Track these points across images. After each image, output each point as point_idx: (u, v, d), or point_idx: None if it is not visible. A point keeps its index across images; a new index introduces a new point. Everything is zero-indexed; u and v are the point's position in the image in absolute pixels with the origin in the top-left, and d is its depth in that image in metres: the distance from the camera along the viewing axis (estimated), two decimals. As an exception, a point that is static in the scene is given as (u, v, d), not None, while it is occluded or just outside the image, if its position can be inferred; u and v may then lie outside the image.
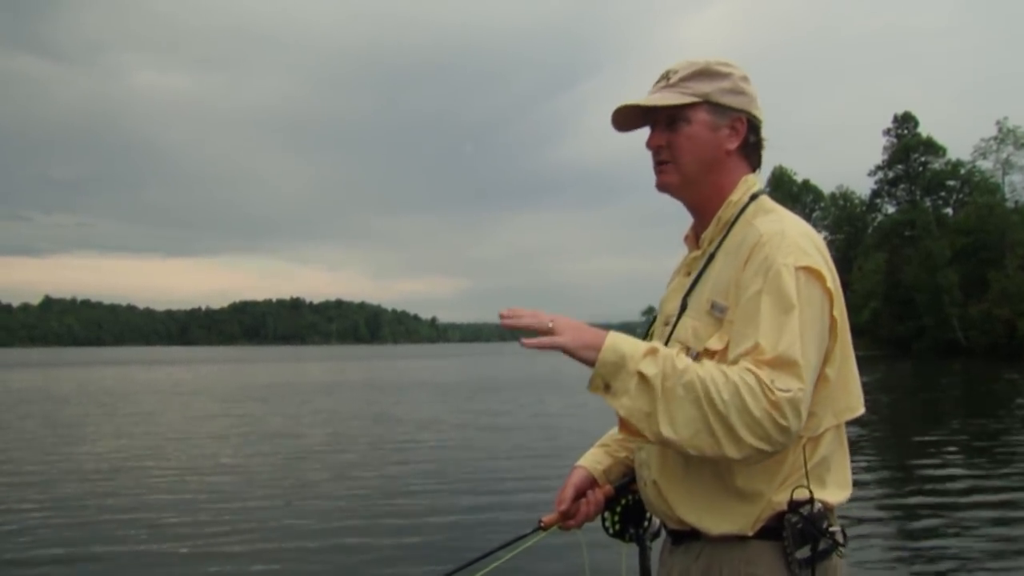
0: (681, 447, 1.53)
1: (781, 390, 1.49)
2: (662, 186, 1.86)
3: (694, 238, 1.91)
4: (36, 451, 13.99)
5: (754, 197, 1.80)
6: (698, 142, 1.79)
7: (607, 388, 1.56)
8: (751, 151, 1.86)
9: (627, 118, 1.88)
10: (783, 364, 1.52)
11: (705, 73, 1.81)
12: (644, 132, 1.89)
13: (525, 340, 1.56)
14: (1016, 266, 51.38)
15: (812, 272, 1.62)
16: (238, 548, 7.58)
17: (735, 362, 1.58)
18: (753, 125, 1.84)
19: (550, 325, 1.56)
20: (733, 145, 1.82)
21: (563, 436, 15.47)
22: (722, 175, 1.83)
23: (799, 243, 1.65)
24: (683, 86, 1.80)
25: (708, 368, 1.53)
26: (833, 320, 1.65)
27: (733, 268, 1.70)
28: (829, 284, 1.64)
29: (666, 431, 1.52)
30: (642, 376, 1.52)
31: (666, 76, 1.84)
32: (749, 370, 1.51)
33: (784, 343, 1.53)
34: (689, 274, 1.86)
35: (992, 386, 28.06)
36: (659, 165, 1.85)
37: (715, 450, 1.51)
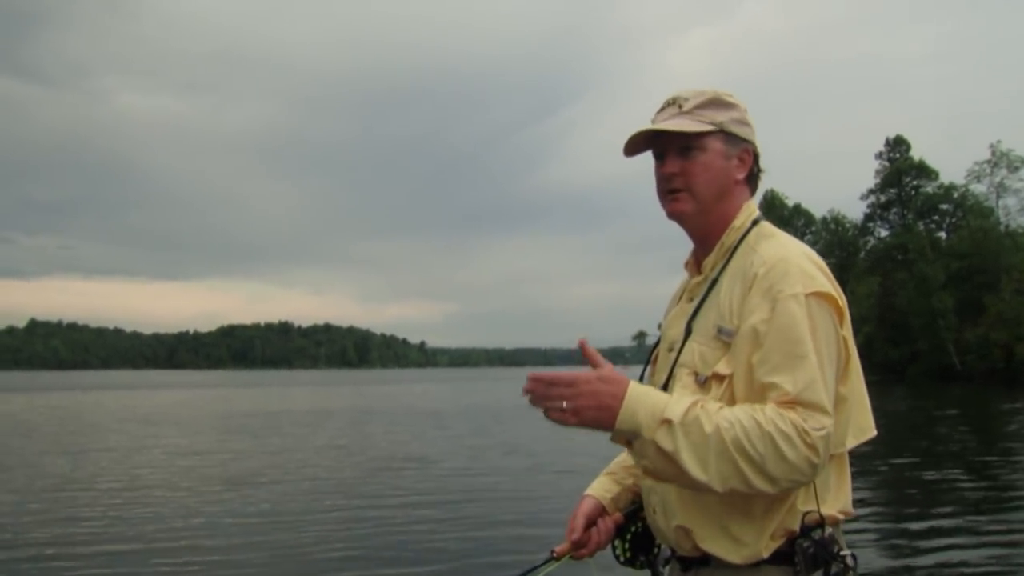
0: (712, 492, 1.57)
1: (816, 430, 1.52)
2: (675, 214, 1.85)
3: (695, 264, 1.92)
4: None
5: (756, 222, 1.83)
6: (713, 171, 1.81)
7: (629, 444, 1.60)
8: (753, 182, 1.89)
9: (634, 143, 1.87)
10: (810, 403, 1.54)
11: (717, 103, 1.83)
12: (635, 159, 1.91)
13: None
14: (1012, 290, 50.82)
15: (822, 296, 1.64)
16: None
17: (753, 392, 1.62)
18: (756, 157, 1.87)
19: (565, 405, 1.56)
20: (741, 175, 1.85)
21: (568, 465, 14.88)
22: (728, 203, 1.84)
23: (804, 268, 1.67)
24: (697, 114, 1.80)
25: (739, 420, 1.53)
26: (843, 339, 1.68)
27: (739, 294, 1.71)
28: (839, 304, 1.67)
29: (698, 481, 1.54)
30: (659, 447, 1.54)
31: (676, 103, 1.83)
32: (782, 415, 1.53)
33: (805, 380, 1.56)
34: (692, 300, 1.87)
35: (991, 412, 27.42)
36: (671, 193, 1.83)
37: (749, 491, 1.54)
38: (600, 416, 1.56)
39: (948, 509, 10.33)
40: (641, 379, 1.94)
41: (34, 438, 21.48)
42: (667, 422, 1.53)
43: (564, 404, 1.56)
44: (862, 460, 13.73)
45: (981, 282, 53.58)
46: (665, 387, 1.79)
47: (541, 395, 1.58)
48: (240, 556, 8.18)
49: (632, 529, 2.00)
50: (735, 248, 1.80)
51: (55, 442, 20.14)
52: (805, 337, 1.59)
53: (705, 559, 1.74)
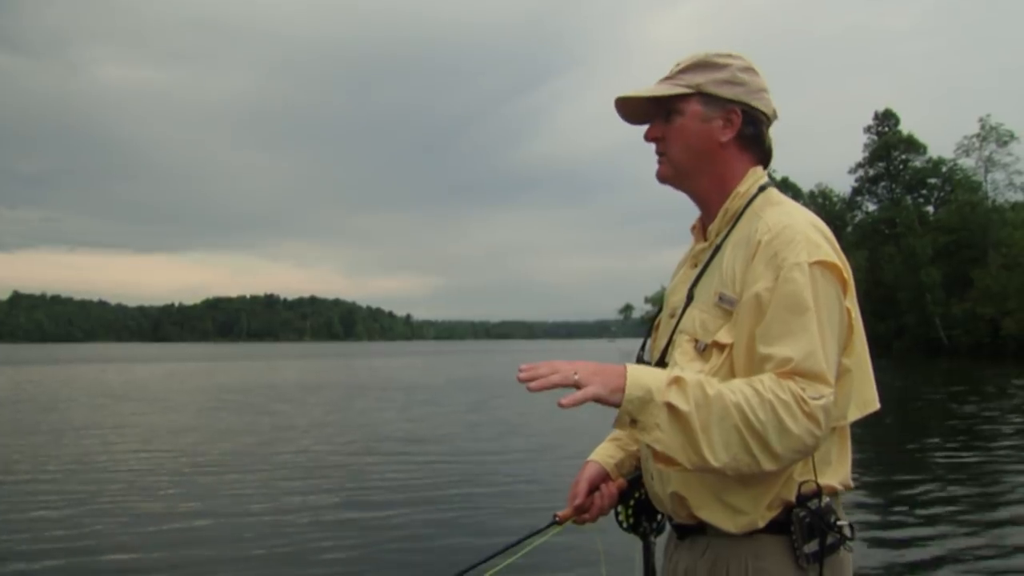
0: (719, 472, 1.52)
1: (814, 398, 1.49)
2: (658, 177, 1.85)
3: (701, 230, 1.87)
4: None
5: (762, 189, 1.78)
6: (687, 133, 1.77)
7: (633, 423, 1.53)
8: (751, 143, 1.81)
9: (635, 110, 1.84)
10: (809, 372, 1.51)
11: (701, 64, 1.78)
12: (626, 128, 1.87)
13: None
14: (999, 264, 50.87)
15: (827, 265, 1.61)
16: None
17: (753, 363, 1.58)
18: (751, 117, 1.78)
19: (576, 378, 1.50)
20: (726, 137, 1.78)
21: (571, 432, 14.83)
22: (722, 167, 1.79)
23: (809, 236, 1.62)
24: (678, 78, 1.78)
25: (738, 388, 1.51)
26: (847, 311, 1.64)
27: (742, 260, 1.67)
28: (844, 275, 1.64)
29: (707, 458, 1.50)
30: (672, 408, 1.50)
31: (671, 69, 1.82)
32: (780, 383, 1.50)
33: (805, 349, 1.52)
34: (696, 266, 1.83)
35: (978, 386, 27.27)
36: (658, 157, 1.83)
37: (753, 469, 1.51)
38: (611, 384, 1.50)
39: (942, 480, 10.28)
40: (643, 348, 1.94)
41: (3, 415, 20.51)
42: (677, 379, 1.51)
43: (575, 376, 1.49)
44: (856, 433, 13.54)
45: (968, 256, 53.65)
46: (664, 352, 1.78)
47: (544, 374, 1.49)
48: (228, 540, 7.61)
49: (636, 495, 1.98)
50: (740, 214, 1.75)
51: (28, 419, 19.23)
52: (808, 306, 1.55)
53: (701, 527, 1.72)
